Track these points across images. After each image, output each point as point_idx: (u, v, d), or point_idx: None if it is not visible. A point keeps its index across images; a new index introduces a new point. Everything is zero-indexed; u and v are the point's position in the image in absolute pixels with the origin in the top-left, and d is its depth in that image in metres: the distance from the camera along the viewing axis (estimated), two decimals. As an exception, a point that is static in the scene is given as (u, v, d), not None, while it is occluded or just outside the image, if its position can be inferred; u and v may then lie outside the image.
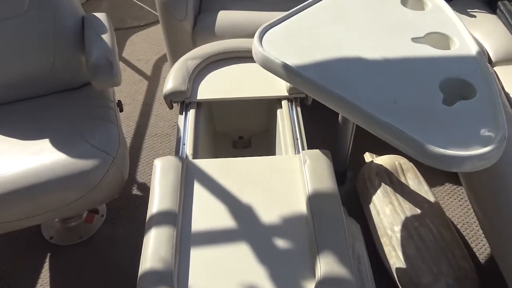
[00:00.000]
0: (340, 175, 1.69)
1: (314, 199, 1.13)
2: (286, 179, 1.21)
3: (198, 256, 1.06)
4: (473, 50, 1.21)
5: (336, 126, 1.59)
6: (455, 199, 1.65)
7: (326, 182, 1.17)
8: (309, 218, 1.10)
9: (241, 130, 1.76)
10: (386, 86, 1.10)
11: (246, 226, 1.11)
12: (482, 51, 1.64)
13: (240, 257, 1.05)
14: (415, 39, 1.25)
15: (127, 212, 1.67)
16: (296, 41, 1.24)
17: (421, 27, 1.30)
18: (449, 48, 1.25)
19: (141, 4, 2.70)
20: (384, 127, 1.01)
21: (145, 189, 1.74)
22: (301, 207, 1.14)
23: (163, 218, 1.11)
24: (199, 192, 1.19)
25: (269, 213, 1.14)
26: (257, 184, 1.21)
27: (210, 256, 1.06)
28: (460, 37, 1.26)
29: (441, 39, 1.27)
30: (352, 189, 1.71)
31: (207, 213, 1.14)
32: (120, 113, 1.54)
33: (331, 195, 1.14)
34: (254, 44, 1.24)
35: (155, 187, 1.17)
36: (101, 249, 1.56)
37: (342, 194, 1.69)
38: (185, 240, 1.09)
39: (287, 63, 1.16)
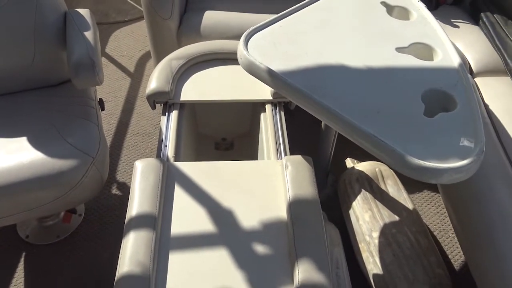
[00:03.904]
0: (321, 180, 1.70)
1: (294, 206, 1.13)
2: (268, 184, 1.22)
3: (177, 260, 1.05)
4: (455, 62, 1.22)
5: (319, 131, 1.60)
6: (432, 206, 1.68)
7: (307, 188, 1.17)
8: (289, 224, 1.10)
9: (224, 132, 1.75)
10: (369, 96, 1.11)
11: (226, 231, 1.11)
12: (464, 62, 1.67)
13: (219, 262, 1.05)
14: (399, 49, 1.26)
15: (106, 212, 1.65)
16: (281, 47, 1.24)
17: (406, 37, 1.31)
18: (432, 59, 1.27)
19: (126, -1, 2.66)
20: (366, 137, 1.02)
21: (125, 188, 1.72)
22: (282, 213, 1.14)
23: (142, 222, 1.09)
24: (180, 195, 1.18)
25: (249, 218, 1.14)
26: (239, 188, 1.20)
27: (188, 261, 1.05)
28: (444, 49, 1.28)
29: (425, 50, 1.29)
30: (333, 194, 1.72)
31: (187, 217, 1.14)
32: (102, 111, 1.51)
33: (312, 202, 1.15)
34: (239, 48, 1.23)
35: (135, 189, 1.16)
36: (79, 248, 1.54)
37: (323, 199, 1.70)
38: (164, 245, 1.08)
39: (272, 68, 1.16)
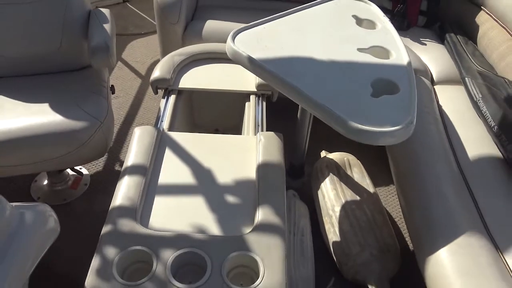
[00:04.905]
0: (298, 168, 1.92)
1: (262, 167, 1.36)
2: (244, 152, 1.45)
3: (161, 201, 1.28)
4: (405, 61, 1.47)
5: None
6: (397, 199, 1.88)
7: (274, 155, 1.40)
8: (256, 180, 1.33)
9: (217, 123, 2.00)
10: (328, 80, 1.36)
11: (204, 184, 1.34)
12: (426, 72, 1.92)
13: (195, 206, 1.27)
14: (360, 49, 1.52)
15: (108, 185, 1.88)
16: (262, 42, 1.51)
17: (368, 41, 1.57)
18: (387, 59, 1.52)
19: (144, 15, 3.00)
20: (321, 108, 1.26)
21: (127, 166, 1.96)
22: (252, 174, 1.37)
23: (135, 170, 1.33)
24: (169, 155, 1.42)
25: (225, 176, 1.36)
26: (219, 154, 1.44)
27: (170, 202, 1.28)
28: (398, 51, 1.53)
29: (382, 52, 1.54)
30: (308, 182, 1.93)
31: (173, 171, 1.37)
32: (113, 104, 1.78)
33: (276, 165, 1.37)
34: (228, 41, 1.50)
35: (132, 147, 1.40)
36: (82, 211, 1.76)
37: (299, 186, 1.92)
38: (152, 189, 1.31)
39: (252, 56, 1.42)
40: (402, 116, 1.24)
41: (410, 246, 1.71)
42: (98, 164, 1.96)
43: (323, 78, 1.36)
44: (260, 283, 1.08)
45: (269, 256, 1.14)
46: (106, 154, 2.02)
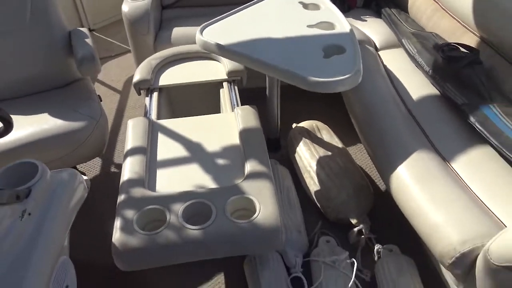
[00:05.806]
0: (274, 142, 2.16)
1: (243, 132, 1.59)
2: (226, 125, 1.68)
3: (163, 172, 1.49)
4: (347, 29, 1.75)
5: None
6: (364, 154, 2.14)
7: (252, 122, 1.64)
8: (240, 143, 1.56)
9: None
10: (287, 51, 1.62)
11: (197, 154, 1.56)
12: (370, 42, 2.21)
13: (193, 170, 1.49)
14: (309, 26, 1.79)
15: (105, 186, 2.06)
16: (226, 31, 1.76)
17: (315, 19, 1.84)
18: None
19: (112, 40, 3.22)
20: (285, 72, 1.51)
21: (119, 168, 2.15)
22: (236, 140, 1.60)
23: (136, 150, 1.54)
24: (162, 137, 1.63)
25: (213, 145, 1.59)
26: (205, 130, 1.66)
27: (171, 171, 1.49)
28: (340, 23, 1.81)
29: (328, 26, 1.81)
30: (286, 154, 2.17)
31: (169, 148, 1.58)
32: None
33: (255, 128, 1.61)
34: (197, 34, 1.74)
35: (129, 134, 1.61)
36: (84, 209, 1.92)
37: (278, 158, 2.16)
38: (153, 163, 1.52)
39: (219, 43, 1.66)
40: (350, 68, 1.50)
41: (381, 187, 1.96)
42: (96, 169, 2.15)
43: (282, 50, 1.62)
44: (258, 215, 1.31)
45: (262, 195, 1.36)
46: (101, 159, 2.21)
